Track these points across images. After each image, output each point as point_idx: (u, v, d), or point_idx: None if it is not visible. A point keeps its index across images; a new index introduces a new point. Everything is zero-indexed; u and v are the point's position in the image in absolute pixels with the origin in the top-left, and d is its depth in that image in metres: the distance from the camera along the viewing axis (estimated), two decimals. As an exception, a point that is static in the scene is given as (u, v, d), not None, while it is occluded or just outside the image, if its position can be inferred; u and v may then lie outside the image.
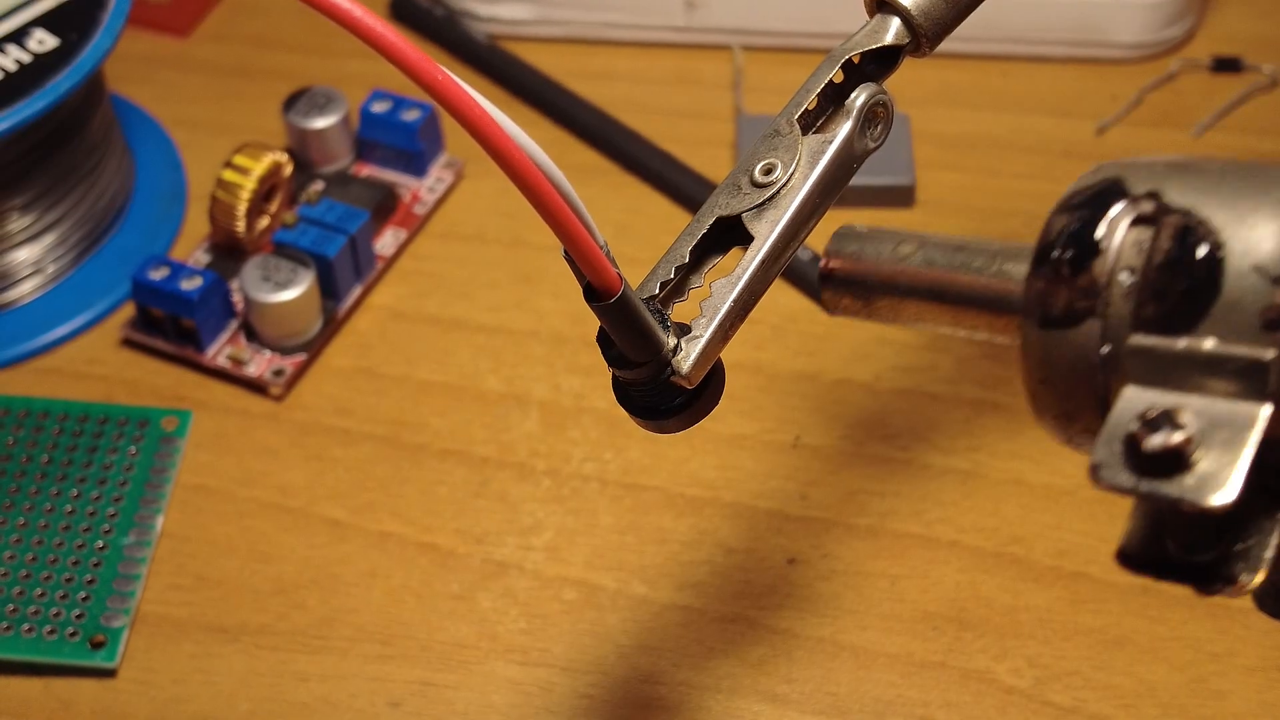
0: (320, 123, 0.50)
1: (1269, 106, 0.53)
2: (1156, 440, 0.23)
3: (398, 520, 0.43)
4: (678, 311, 0.31)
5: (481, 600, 0.42)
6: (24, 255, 0.48)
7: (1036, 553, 0.42)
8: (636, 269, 0.30)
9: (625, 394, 0.31)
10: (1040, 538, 0.42)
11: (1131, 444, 0.23)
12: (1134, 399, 0.24)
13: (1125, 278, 0.24)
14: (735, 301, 0.30)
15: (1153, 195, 0.25)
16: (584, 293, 0.28)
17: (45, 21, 0.46)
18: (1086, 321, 0.25)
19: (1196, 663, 0.39)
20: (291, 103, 0.51)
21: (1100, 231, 0.25)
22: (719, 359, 0.31)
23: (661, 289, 0.31)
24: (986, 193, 0.51)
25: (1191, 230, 0.24)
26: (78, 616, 0.41)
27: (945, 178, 0.51)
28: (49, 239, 0.48)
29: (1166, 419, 0.23)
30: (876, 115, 0.32)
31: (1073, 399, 0.25)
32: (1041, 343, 0.25)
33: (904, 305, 0.28)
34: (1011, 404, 0.45)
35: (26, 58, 0.45)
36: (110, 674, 0.40)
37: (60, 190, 0.48)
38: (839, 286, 0.29)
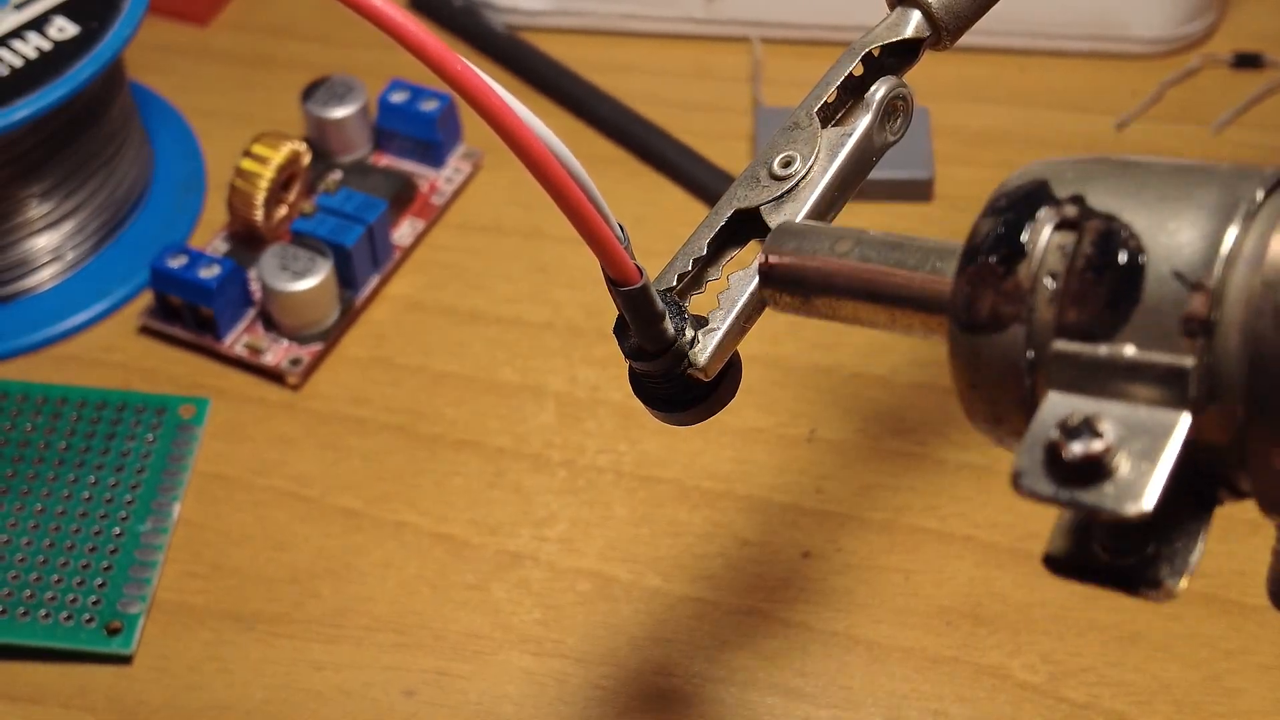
0: (339, 112, 0.50)
1: (1290, 103, 0.53)
2: (1076, 449, 0.23)
3: (413, 510, 0.43)
4: (695, 304, 0.31)
5: (496, 591, 0.42)
6: (43, 242, 0.48)
7: (1052, 548, 0.42)
8: (653, 260, 0.30)
9: (641, 386, 0.31)
10: (1056, 533, 0.42)
11: (1052, 452, 0.23)
12: (1056, 405, 0.24)
13: (1049, 283, 0.24)
14: (753, 294, 0.30)
15: (1077, 199, 0.24)
16: (606, 277, 0.28)
17: (66, 9, 0.46)
18: (1011, 327, 0.25)
19: (1211, 660, 0.39)
20: (310, 92, 0.51)
21: (1024, 236, 0.25)
22: (736, 352, 0.31)
23: (679, 281, 0.31)
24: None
25: (1113, 235, 0.24)
26: (94, 603, 0.41)
27: (964, 172, 0.51)
28: (68, 226, 0.48)
29: (1087, 427, 0.23)
30: (896, 109, 0.32)
31: (1000, 403, 0.25)
32: (968, 347, 0.25)
33: (841, 303, 0.28)
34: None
35: (47, 45, 0.46)
36: (126, 660, 0.41)
37: (79, 178, 0.48)
38: (778, 284, 0.28)
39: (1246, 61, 0.54)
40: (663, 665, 0.40)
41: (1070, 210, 0.24)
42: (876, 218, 0.49)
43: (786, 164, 0.31)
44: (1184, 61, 0.54)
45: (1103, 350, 0.23)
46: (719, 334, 0.30)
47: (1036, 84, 0.54)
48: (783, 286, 0.28)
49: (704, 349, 0.30)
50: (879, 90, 0.32)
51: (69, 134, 0.47)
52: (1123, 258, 0.23)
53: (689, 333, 0.30)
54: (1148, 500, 0.22)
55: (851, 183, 0.32)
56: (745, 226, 0.31)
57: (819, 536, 0.42)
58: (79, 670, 0.40)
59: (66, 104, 0.45)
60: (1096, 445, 0.23)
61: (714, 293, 0.31)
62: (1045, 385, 0.24)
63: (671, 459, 0.44)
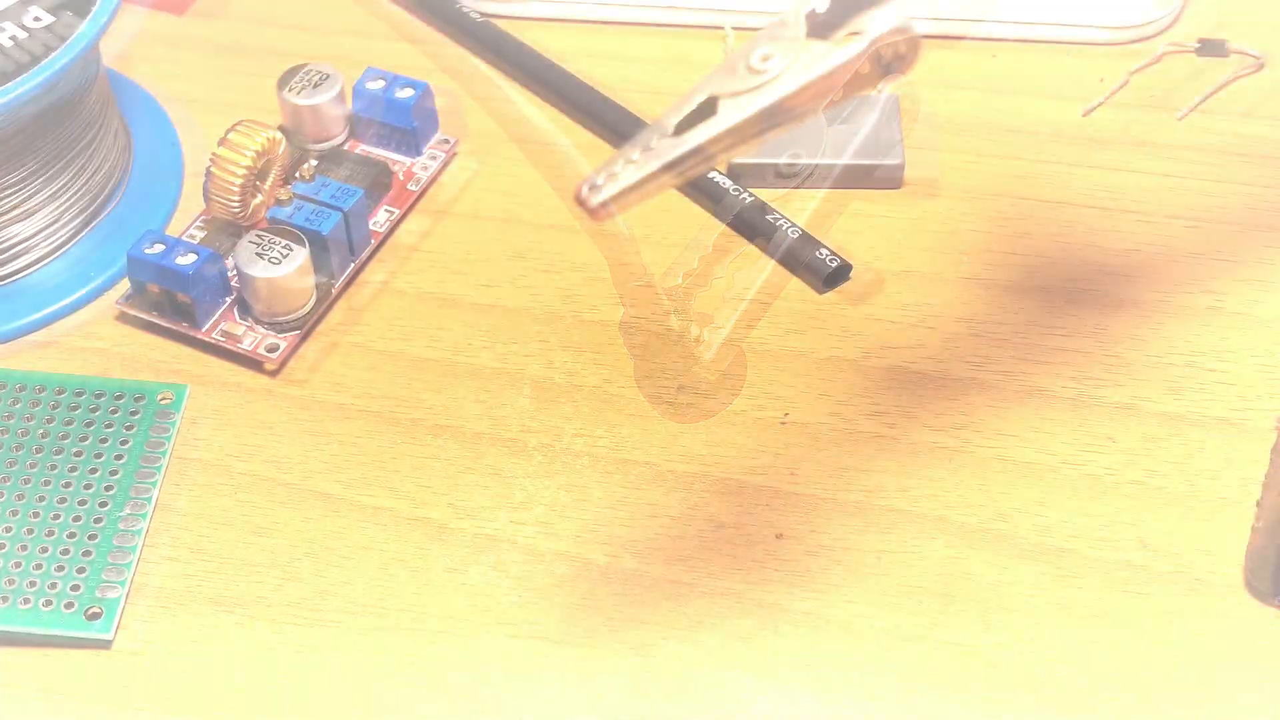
0: (315, 100, 0.50)
1: (1253, 89, 0.53)
2: None
3: (391, 495, 0.44)
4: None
5: (474, 574, 0.42)
6: (21, 230, 0.48)
7: (1021, 529, 0.42)
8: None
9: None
10: (1025, 514, 0.42)
11: None
12: None
13: None
14: (671, 158, 0.30)
15: None
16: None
17: (42, -2, 0.47)
18: None
19: (1182, 639, 0.40)
20: (286, 80, 0.51)
21: None
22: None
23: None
24: (974, 174, 0.51)
25: None
26: (74, 588, 0.41)
27: (934, 159, 0.51)
28: (46, 214, 0.48)
29: None
30: (898, 52, 0.31)
31: None
32: None
33: None
34: (998, 382, 0.45)
35: (23, 34, 0.46)
36: (106, 645, 0.41)
37: (57, 166, 0.48)
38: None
39: (1211, 48, 0.54)
40: (639, 645, 0.41)
41: None
42: (845, 204, 0.50)
43: (765, 59, 0.31)
44: (1150, 49, 0.54)
45: None
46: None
47: (1006, 71, 0.54)
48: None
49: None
50: (879, 24, 0.31)
51: (46, 122, 0.47)
52: None
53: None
54: None
55: (820, 96, 0.31)
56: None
57: (792, 518, 0.43)
58: (58, 655, 0.41)
59: (43, 92, 0.45)
60: None
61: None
62: None
63: (647, 442, 0.44)
